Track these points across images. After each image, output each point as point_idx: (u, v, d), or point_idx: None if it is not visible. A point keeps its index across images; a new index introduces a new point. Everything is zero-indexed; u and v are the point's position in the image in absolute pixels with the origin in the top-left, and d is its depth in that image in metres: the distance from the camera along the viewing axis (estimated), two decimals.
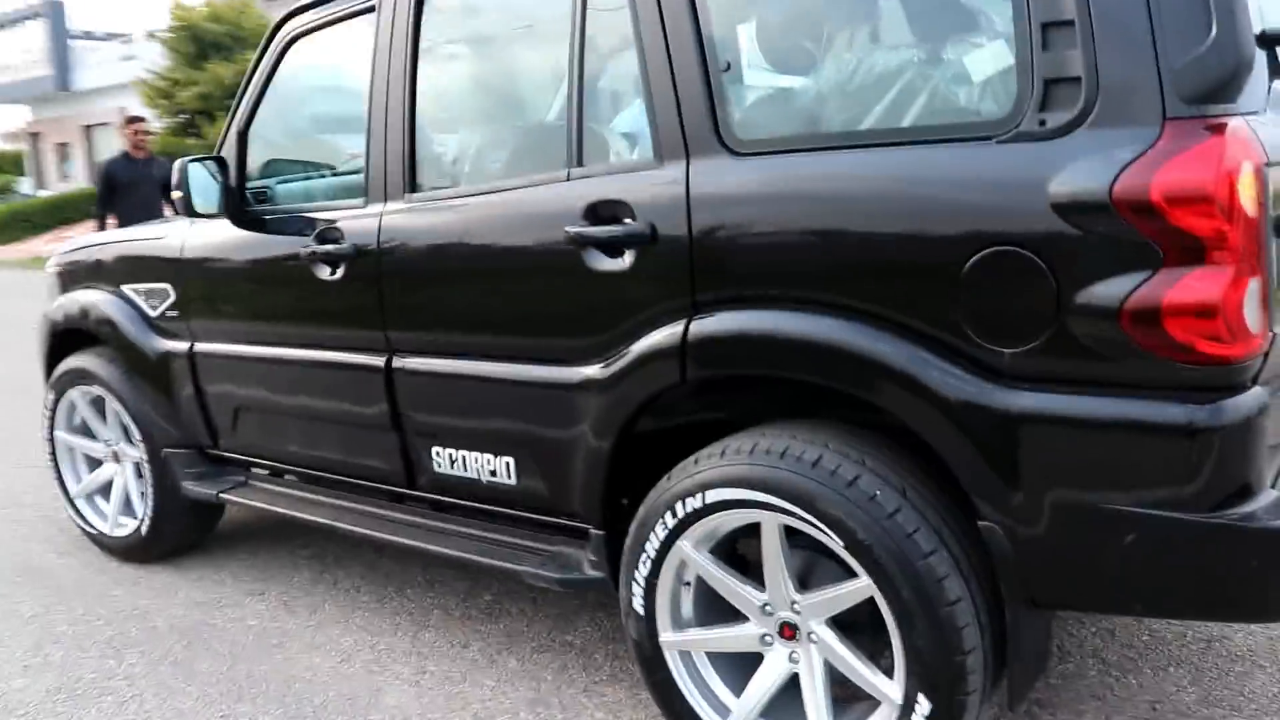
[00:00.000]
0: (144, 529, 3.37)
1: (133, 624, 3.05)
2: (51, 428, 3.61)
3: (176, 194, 2.72)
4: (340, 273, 2.55)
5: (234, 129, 2.85)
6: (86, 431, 3.61)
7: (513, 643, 2.78)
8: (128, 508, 3.51)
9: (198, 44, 16.81)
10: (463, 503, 2.52)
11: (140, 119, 7.38)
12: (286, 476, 3.17)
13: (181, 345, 3.10)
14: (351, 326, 2.58)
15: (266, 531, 3.75)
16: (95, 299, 3.35)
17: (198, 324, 3.04)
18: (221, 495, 3.09)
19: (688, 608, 2.11)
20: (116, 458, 3.51)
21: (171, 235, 3.12)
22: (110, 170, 7.15)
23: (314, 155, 3.15)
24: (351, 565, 3.38)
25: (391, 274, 2.44)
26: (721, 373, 1.95)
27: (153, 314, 3.17)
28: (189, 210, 2.75)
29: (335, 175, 3.02)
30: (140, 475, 3.42)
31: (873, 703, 1.93)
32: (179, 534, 3.43)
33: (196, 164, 2.74)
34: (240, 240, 2.85)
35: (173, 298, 3.08)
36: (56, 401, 3.55)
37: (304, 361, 2.74)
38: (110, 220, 7.22)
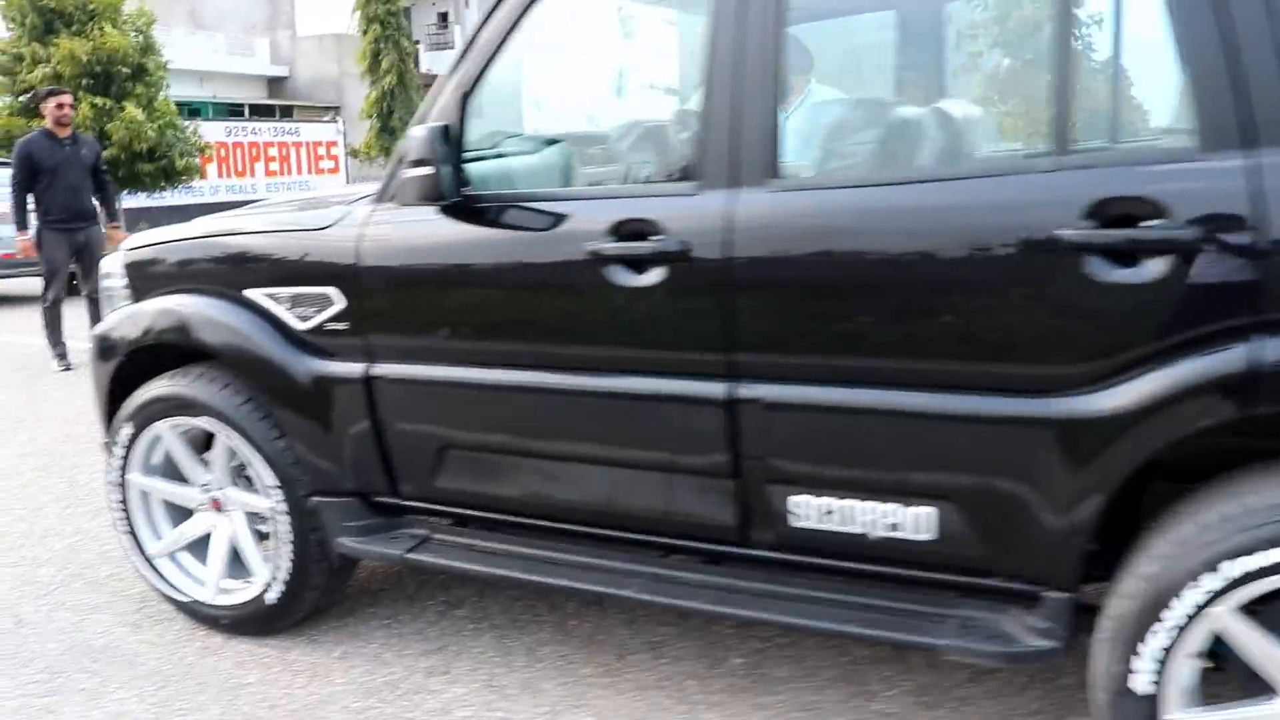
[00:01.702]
0: (272, 595, 2.69)
1: None
2: (124, 470, 2.85)
3: (422, 171, 2.10)
4: (656, 277, 2.02)
5: (451, 91, 2.25)
6: (171, 474, 2.88)
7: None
8: (234, 568, 2.82)
9: (41, 15, 14.88)
10: (820, 561, 2.05)
11: (63, 91, 6.30)
12: (469, 527, 2.59)
13: (351, 368, 2.45)
14: (672, 346, 2.05)
15: (390, 587, 3.12)
16: (202, 307, 2.63)
17: (382, 341, 2.41)
18: (409, 556, 2.47)
19: (1192, 683, 1.75)
20: (218, 506, 2.80)
21: (336, 224, 2.46)
22: (30, 151, 6.07)
23: (572, 126, 2.55)
24: (534, 628, 2.81)
25: (750, 280, 1.94)
26: None
27: (303, 327, 2.50)
28: (433, 196, 2.14)
29: (623, 154, 2.44)
30: (260, 528, 2.75)
31: None
32: (316, 600, 2.77)
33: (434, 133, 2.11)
34: (465, 234, 2.25)
35: (339, 307, 2.43)
36: (134, 437, 2.80)
37: (575, 391, 2.18)
38: (30, 209, 6.15)
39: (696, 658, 2.61)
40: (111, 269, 2.96)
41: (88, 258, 6.36)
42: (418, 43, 14.99)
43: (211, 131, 18.46)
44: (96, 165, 6.37)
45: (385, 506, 2.60)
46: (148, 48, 16.16)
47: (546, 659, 2.64)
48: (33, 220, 6.13)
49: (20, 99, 14.91)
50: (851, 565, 2.02)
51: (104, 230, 6.47)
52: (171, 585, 2.86)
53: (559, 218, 2.15)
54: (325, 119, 23.37)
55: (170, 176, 15.71)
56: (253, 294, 2.56)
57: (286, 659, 2.70)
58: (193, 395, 2.66)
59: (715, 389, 2.01)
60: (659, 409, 2.09)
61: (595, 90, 2.47)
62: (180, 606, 2.88)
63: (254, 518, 2.78)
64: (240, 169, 20.14)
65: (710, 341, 1.99)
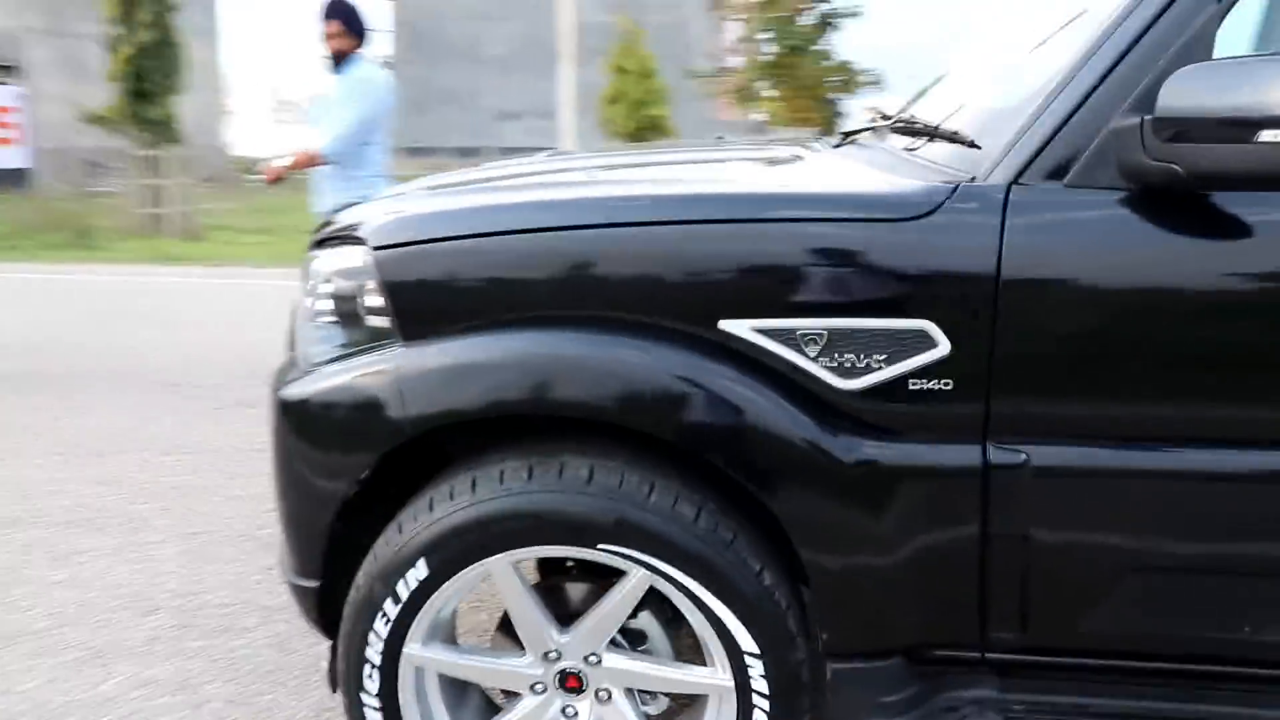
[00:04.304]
0: None
1: None
2: (398, 639, 1.60)
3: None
4: None
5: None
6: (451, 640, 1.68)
7: None
8: None
9: None
10: None
11: None
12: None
13: (948, 453, 1.46)
14: None
15: None
16: (636, 356, 1.49)
17: (1025, 408, 1.43)
18: None
19: None
20: (576, 685, 1.65)
21: (939, 210, 1.44)
22: None
23: None
24: None
25: None
26: None
27: (846, 386, 1.47)
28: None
29: None
30: (649, 710, 1.67)
31: None
32: None
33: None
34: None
35: (942, 352, 1.43)
36: (432, 581, 1.57)
37: None
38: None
39: None
40: (342, 280, 1.67)
41: None
42: None
43: None
44: None
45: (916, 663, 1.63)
46: None
47: None
48: None
49: None
50: None
51: None
52: None
53: None
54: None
55: None
56: (735, 328, 1.48)
57: None
58: (591, 512, 1.51)
59: None
60: None
61: None
62: None
63: (636, 697, 1.69)
64: None
65: None
